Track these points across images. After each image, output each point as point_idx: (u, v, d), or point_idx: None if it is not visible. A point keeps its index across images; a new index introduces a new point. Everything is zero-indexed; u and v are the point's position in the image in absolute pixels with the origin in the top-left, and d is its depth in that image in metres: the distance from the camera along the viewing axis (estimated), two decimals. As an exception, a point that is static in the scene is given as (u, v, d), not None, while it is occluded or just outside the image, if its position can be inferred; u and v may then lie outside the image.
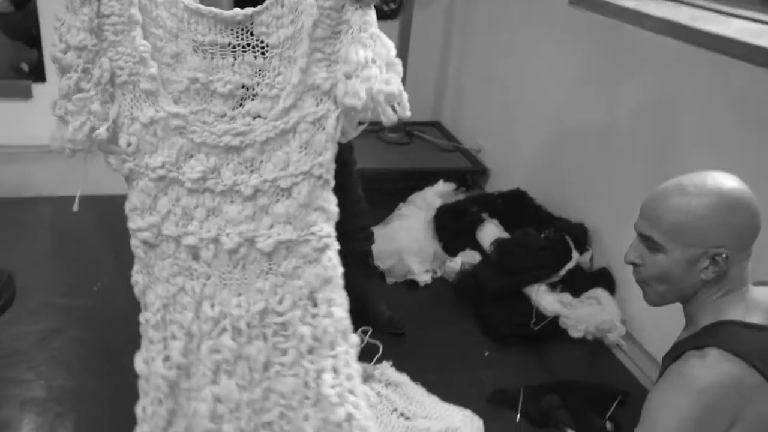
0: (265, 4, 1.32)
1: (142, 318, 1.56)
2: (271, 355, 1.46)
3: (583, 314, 2.73)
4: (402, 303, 2.90)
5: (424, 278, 3.04)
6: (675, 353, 1.39)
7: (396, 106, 1.26)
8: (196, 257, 1.44)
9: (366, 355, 2.50)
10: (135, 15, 1.29)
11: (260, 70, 1.34)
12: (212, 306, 1.45)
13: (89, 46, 1.29)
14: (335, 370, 1.44)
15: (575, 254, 2.93)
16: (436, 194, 3.42)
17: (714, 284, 1.36)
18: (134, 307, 2.00)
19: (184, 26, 1.32)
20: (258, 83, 1.34)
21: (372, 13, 1.30)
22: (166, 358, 1.51)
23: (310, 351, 1.43)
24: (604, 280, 2.87)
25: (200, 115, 1.35)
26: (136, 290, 1.54)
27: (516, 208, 3.30)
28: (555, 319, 2.73)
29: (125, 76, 1.33)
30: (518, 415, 2.28)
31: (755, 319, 1.36)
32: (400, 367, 2.43)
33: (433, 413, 2.23)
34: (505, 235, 3.14)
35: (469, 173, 3.82)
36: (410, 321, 2.75)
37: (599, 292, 2.80)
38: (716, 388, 1.28)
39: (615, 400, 2.34)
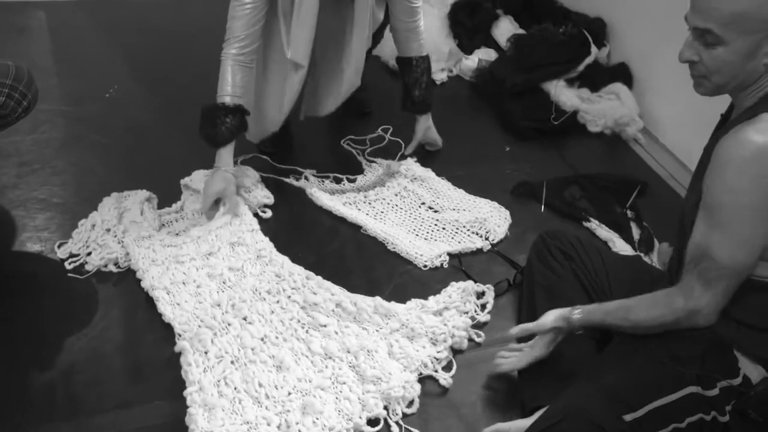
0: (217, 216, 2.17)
1: None
2: None
3: (601, 109, 2.73)
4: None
5: (440, 76, 3.01)
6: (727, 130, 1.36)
7: None
8: None
9: (390, 152, 2.53)
10: None
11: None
12: None
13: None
14: None
15: (594, 49, 2.88)
16: (448, -10, 3.29)
17: None
18: (148, 113, 1.97)
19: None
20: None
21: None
22: None
23: None
24: (623, 75, 2.85)
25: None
26: None
27: (531, 3, 3.21)
28: (574, 114, 2.73)
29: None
30: (542, 206, 2.34)
31: None
32: (424, 163, 2.45)
33: (461, 205, 2.28)
34: (521, 31, 3.07)
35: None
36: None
37: (618, 87, 2.78)
38: None
39: (634, 190, 2.40)
